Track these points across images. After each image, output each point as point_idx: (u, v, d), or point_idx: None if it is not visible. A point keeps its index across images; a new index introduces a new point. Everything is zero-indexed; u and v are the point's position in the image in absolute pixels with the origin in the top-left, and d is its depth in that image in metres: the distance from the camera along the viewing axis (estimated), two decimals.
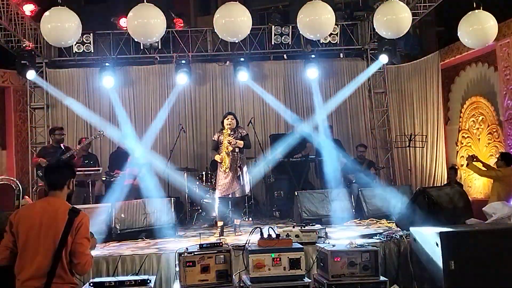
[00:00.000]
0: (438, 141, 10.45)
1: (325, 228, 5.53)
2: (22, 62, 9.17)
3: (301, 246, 4.47)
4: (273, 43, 10.18)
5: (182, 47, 10.21)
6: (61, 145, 7.98)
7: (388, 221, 7.13)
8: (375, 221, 7.29)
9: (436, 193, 5.47)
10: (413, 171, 10.35)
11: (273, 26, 10.09)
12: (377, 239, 5.39)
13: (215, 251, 4.23)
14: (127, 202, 7.15)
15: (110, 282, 4.02)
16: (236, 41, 8.28)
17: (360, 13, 10.58)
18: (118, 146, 9.36)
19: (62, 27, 7.08)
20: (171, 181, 9.25)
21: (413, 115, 10.72)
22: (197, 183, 8.77)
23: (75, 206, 3.57)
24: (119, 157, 9.11)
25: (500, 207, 5.37)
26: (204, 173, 8.83)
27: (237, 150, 6.69)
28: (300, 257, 4.28)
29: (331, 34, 10.10)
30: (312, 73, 10.11)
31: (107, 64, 9.90)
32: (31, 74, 9.33)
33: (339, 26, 10.14)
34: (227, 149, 6.65)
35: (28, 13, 8.81)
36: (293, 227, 5.71)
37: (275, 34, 10.07)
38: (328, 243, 4.90)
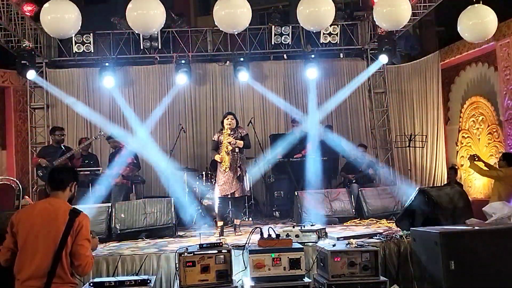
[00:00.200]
0: (438, 141, 10.45)
1: (325, 228, 5.53)
2: (22, 62, 9.17)
3: (301, 246, 4.47)
4: (273, 43, 10.18)
5: (182, 47, 10.21)
6: (62, 145, 7.98)
7: (388, 221, 7.13)
8: (375, 221, 7.29)
9: (436, 193, 5.47)
10: (413, 171, 10.34)
11: (273, 26, 10.09)
12: (377, 239, 5.38)
13: (215, 251, 4.23)
14: (127, 202, 7.15)
15: (110, 282, 4.02)
16: (236, 33, 8.18)
17: (360, 13, 10.58)
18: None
19: (62, 18, 7.08)
20: (171, 181, 9.26)
21: (413, 115, 10.72)
22: (197, 183, 8.77)
23: (75, 207, 3.58)
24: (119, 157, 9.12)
25: (500, 207, 5.37)
26: (204, 173, 8.83)
27: (237, 150, 6.69)
28: (300, 257, 4.28)
29: (331, 34, 10.12)
30: (312, 73, 10.11)
31: (107, 64, 9.91)
32: (31, 74, 9.33)
33: (339, 26, 10.15)
34: (227, 148, 6.65)
35: (28, 13, 8.82)
36: (293, 227, 5.71)
37: (275, 34, 10.08)
38: (328, 243, 4.90)
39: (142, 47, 9.99)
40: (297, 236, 5.13)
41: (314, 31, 9.01)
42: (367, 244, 4.60)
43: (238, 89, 10.57)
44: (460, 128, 9.94)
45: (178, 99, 10.44)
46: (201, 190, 8.71)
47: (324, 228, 5.45)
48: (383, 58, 9.87)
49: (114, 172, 8.11)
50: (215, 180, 7.61)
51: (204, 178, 8.72)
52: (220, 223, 6.69)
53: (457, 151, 10.04)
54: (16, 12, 8.58)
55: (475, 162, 7.24)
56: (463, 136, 9.87)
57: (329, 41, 10.16)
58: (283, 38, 10.09)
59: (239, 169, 6.68)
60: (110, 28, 10.06)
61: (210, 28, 10.36)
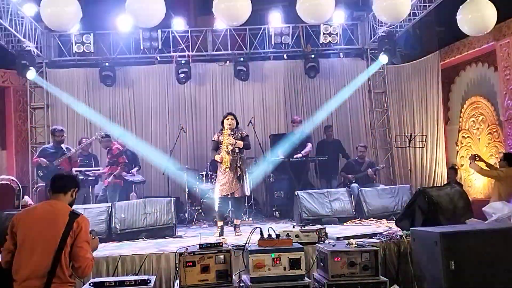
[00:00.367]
0: (438, 141, 10.45)
1: (325, 228, 5.53)
2: (22, 62, 9.18)
3: (301, 246, 4.46)
4: (273, 43, 10.18)
5: (182, 47, 10.22)
6: (62, 145, 7.98)
7: (388, 221, 7.13)
8: (375, 221, 7.29)
9: (436, 193, 5.47)
10: (413, 171, 10.34)
11: (273, 26, 10.09)
12: (377, 239, 5.39)
13: (215, 251, 4.23)
14: (127, 202, 7.15)
15: (110, 282, 4.02)
16: (236, 25, 8.12)
17: (360, 13, 10.58)
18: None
19: (62, 11, 7.08)
20: (171, 180, 9.27)
21: (413, 115, 10.72)
22: (197, 183, 8.77)
23: (75, 209, 3.62)
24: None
25: (500, 207, 5.37)
26: (204, 173, 8.83)
27: (237, 150, 6.69)
28: (300, 257, 4.28)
29: (331, 34, 10.12)
30: (312, 73, 10.11)
31: (107, 64, 9.91)
32: (31, 74, 9.33)
33: (339, 26, 10.15)
34: (227, 148, 6.65)
35: (28, 13, 8.82)
36: (293, 227, 5.71)
37: (275, 34, 10.08)
38: (328, 243, 4.90)
39: (142, 47, 9.99)
40: (297, 236, 5.13)
41: (315, 24, 8.93)
42: (367, 244, 4.60)
43: (238, 89, 10.58)
44: (460, 128, 9.94)
45: (178, 99, 10.45)
46: (201, 190, 8.71)
47: (324, 228, 5.45)
48: (383, 58, 9.88)
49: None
50: (215, 180, 7.62)
51: (204, 178, 8.72)
52: (220, 223, 6.69)
53: (457, 151, 10.04)
54: (16, 12, 8.58)
55: (475, 162, 7.23)
56: (463, 136, 9.87)
57: (329, 41, 10.16)
58: (283, 38, 10.09)
59: (239, 169, 6.67)
60: (110, 28, 10.07)
61: (210, 28, 10.36)
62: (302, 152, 9.06)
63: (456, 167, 9.76)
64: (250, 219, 8.28)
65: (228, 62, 10.55)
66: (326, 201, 7.61)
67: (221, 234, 6.50)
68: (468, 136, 9.71)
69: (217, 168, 6.98)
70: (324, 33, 10.11)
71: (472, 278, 4.17)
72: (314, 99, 10.64)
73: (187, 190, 8.73)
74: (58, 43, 10.19)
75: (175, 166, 9.36)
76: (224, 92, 10.58)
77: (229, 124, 6.75)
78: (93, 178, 8.33)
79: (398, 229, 5.73)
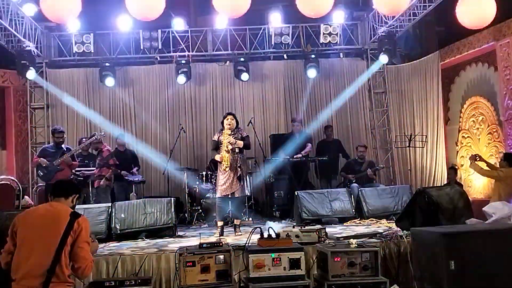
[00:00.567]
0: (438, 141, 10.45)
1: (325, 228, 5.53)
2: (22, 62, 9.17)
3: (301, 246, 4.47)
4: (273, 43, 10.18)
5: (182, 47, 10.22)
6: (62, 145, 7.98)
7: (388, 221, 7.13)
8: (375, 221, 7.29)
9: (436, 193, 5.47)
10: (413, 171, 10.34)
11: (273, 26, 10.09)
12: (377, 239, 5.38)
13: (215, 251, 4.23)
14: (127, 202, 7.15)
15: (110, 282, 4.02)
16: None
17: (360, 13, 10.58)
18: (117, 146, 9.37)
19: (61, 1, 7.06)
20: (171, 180, 9.29)
21: (413, 115, 10.71)
22: (197, 183, 8.77)
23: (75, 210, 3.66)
24: (118, 157, 9.12)
25: (500, 207, 5.36)
26: (204, 173, 8.83)
27: (237, 150, 6.69)
28: (300, 257, 4.28)
29: (331, 34, 10.13)
30: (312, 73, 10.11)
31: (107, 64, 9.91)
32: (31, 74, 9.33)
33: (339, 26, 10.15)
34: (227, 148, 6.65)
35: (28, 13, 8.82)
36: (293, 227, 5.71)
37: (275, 34, 10.08)
38: (328, 243, 4.90)
39: (142, 47, 9.99)
40: (297, 236, 5.13)
41: (314, 17, 8.83)
42: (367, 244, 4.61)
43: (238, 89, 10.58)
44: (460, 128, 9.94)
45: (178, 99, 10.45)
46: (201, 190, 8.71)
47: (324, 228, 5.46)
48: (383, 58, 9.87)
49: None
50: (215, 180, 7.62)
51: (204, 178, 8.72)
52: (220, 223, 6.69)
53: (457, 151, 10.04)
54: (16, 12, 8.58)
55: (476, 162, 7.23)
56: (463, 136, 9.87)
57: (329, 41, 10.16)
58: (283, 38, 10.09)
59: (239, 169, 6.67)
60: (110, 28, 10.07)
61: (210, 28, 10.36)
62: (302, 152, 9.06)
63: (456, 167, 9.76)
64: (250, 219, 8.28)
65: (228, 62, 10.55)
66: (326, 201, 7.61)
67: (221, 234, 6.50)
68: (468, 136, 9.71)
69: (217, 168, 6.98)
70: (324, 33, 10.11)
71: (472, 278, 4.17)
72: (314, 99, 10.64)
73: (187, 190, 8.73)
74: (58, 43, 10.19)
75: (175, 166, 9.38)
76: (224, 92, 10.57)
77: (229, 124, 6.75)
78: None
79: (398, 229, 5.73)
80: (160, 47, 10.04)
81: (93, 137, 8.23)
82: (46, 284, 3.29)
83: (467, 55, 9.56)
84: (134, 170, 8.99)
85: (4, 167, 9.87)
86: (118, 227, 6.54)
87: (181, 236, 6.69)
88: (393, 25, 9.47)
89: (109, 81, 9.90)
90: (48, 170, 7.62)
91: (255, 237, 4.51)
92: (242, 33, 10.35)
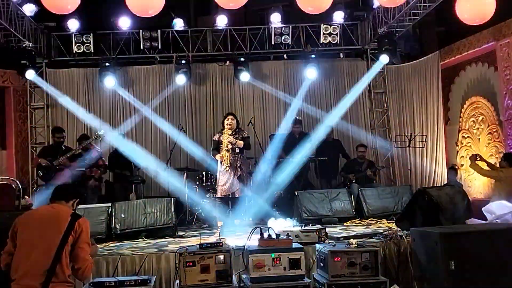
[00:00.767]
0: (438, 141, 10.45)
1: (325, 228, 5.53)
2: (22, 62, 9.17)
3: (301, 246, 4.47)
4: (273, 43, 10.18)
5: (182, 47, 10.21)
6: (62, 145, 7.98)
7: (388, 221, 7.13)
8: (375, 221, 7.29)
9: (436, 193, 5.47)
10: (413, 171, 10.34)
11: (273, 26, 10.09)
12: (377, 239, 5.38)
13: (215, 251, 4.23)
14: (127, 202, 7.15)
15: (110, 282, 4.02)
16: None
17: (360, 13, 10.58)
18: (116, 147, 9.38)
19: None
20: (171, 181, 9.28)
21: (413, 115, 10.71)
22: (197, 183, 8.77)
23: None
24: (118, 157, 9.12)
25: (500, 207, 5.37)
26: (204, 173, 8.83)
27: (237, 150, 6.70)
28: (300, 257, 4.28)
29: (331, 34, 10.13)
30: (312, 73, 10.11)
31: (107, 64, 9.91)
32: (31, 74, 9.33)
33: (339, 26, 10.15)
34: (227, 147, 6.65)
35: (28, 13, 8.82)
36: (293, 227, 5.71)
37: (275, 34, 10.08)
38: (328, 243, 4.90)
39: (142, 47, 9.98)
40: (297, 236, 5.13)
41: (313, 13, 8.75)
42: (367, 244, 4.61)
43: (238, 89, 10.57)
44: (460, 128, 9.94)
45: (178, 99, 10.45)
46: (201, 190, 8.71)
47: (324, 228, 5.45)
48: (384, 58, 9.85)
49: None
50: (215, 180, 7.62)
51: (204, 178, 8.71)
52: (220, 223, 6.69)
53: (457, 151, 10.04)
54: (16, 12, 8.58)
55: (476, 162, 7.23)
56: (463, 136, 9.87)
57: (329, 41, 10.15)
58: (283, 38, 10.09)
59: (239, 169, 6.69)
60: (110, 28, 10.07)
61: (210, 28, 10.36)
62: (302, 152, 9.05)
63: (456, 167, 9.76)
64: (250, 219, 8.28)
65: (228, 62, 10.54)
66: (326, 201, 7.61)
67: (221, 234, 6.49)
68: (468, 136, 9.71)
69: (217, 169, 6.99)
70: (324, 33, 10.11)
71: (472, 278, 4.18)
72: (314, 99, 10.64)
73: (187, 190, 8.73)
74: (58, 43, 10.18)
75: (175, 166, 9.37)
76: (224, 92, 10.57)
77: (229, 124, 6.76)
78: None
79: (398, 229, 5.73)
80: (160, 47, 10.03)
81: (93, 137, 8.23)
82: (46, 283, 3.29)
83: (467, 55, 9.56)
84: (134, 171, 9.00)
85: (4, 167, 9.87)
86: (118, 227, 6.54)
87: (181, 236, 6.68)
88: (393, 25, 9.47)
89: (109, 81, 9.90)
90: (48, 170, 7.62)
91: (255, 237, 4.51)
92: (242, 33, 10.35)
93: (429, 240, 4.45)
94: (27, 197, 7.92)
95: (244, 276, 4.50)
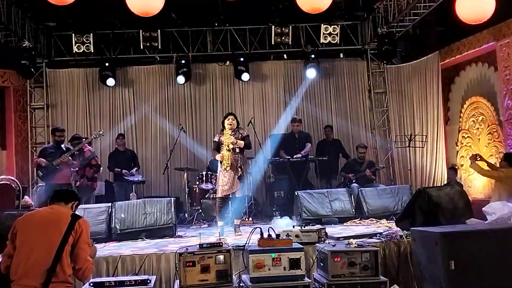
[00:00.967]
0: (438, 141, 10.44)
1: (325, 228, 5.53)
2: (22, 62, 9.17)
3: (301, 246, 4.46)
4: (273, 43, 10.18)
5: (182, 47, 10.22)
6: (62, 145, 7.98)
7: (388, 221, 7.13)
8: (375, 221, 7.29)
9: (436, 193, 5.46)
10: (413, 171, 10.34)
11: (273, 26, 10.09)
12: (377, 239, 5.38)
13: (215, 251, 4.23)
14: (127, 202, 7.15)
15: (110, 282, 4.02)
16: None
17: (360, 13, 10.58)
18: (116, 146, 9.38)
19: None
20: (171, 180, 9.29)
21: (413, 115, 10.71)
22: (197, 183, 8.77)
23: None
24: (118, 157, 9.13)
25: (500, 207, 5.36)
26: (204, 173, 8.83)
27: (237, 150, 6.70)
28: (300, 257, 4.28)
29: (331, 34, 10.13)
30: (312, 73, 10.11)
31: (107, 64, 9.91)
32: (31, 74, 9.33)
33: (339, 26, 10.15)
34: (228, 147, 6.65)
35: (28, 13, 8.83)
36: (293, 227, 5.71)
37: (275, 34, 10.08)
38: (328, 243, 4.89)
39: (142, 47, 9.99)
40: (297, 236, 5.13)
41: (313, 21, 8.70)
42: (367, 244, 4.60)
43: (238, 89, 10.58)
44: (460, 128, 9.94)
45: (178, 99, 10.45)
46: (201, 190, 8.72)
47: (324, 228, 5.45)
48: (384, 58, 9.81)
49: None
50: (215, 180, 7.62)
51: (204, 178, 8.72)
52: (220, 223, 6.69)
53: (457, 151, 10.04)
54: (16, 12, 8.58)
55: (476, 162, 7.22)
56: (463, 136, 9.87)
57: (329, 41, 10.16)
58: (283, 38, 10.09)
59: (239, 169, 6.68)
60: (110, 28, 10.07)
61: (210, 28, 10.37)
62: (302, 152, 9.06)
63: (456, 167, 9.76)
64: (250, 219, 8.28)
65: (228, 62, 10.55)
66: (326, 201, 7.61)
67: (221, 234, 6.50)
68: (468, 136, 9.71)
69: (217, 168, 6.99)
70: (324, 33, 10.11)
71: (472, 278, 4.17)
72: (314, 99, 10.64)
73: (187, 190, 8.74)
74: (58, 43, 10.19)
75: (175, 166, 9.37)
76: (224, 92, 10.58)
77: (230, 124, 6.76)
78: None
79: (398, 229, 5.73)
80: (160, 47, 10.03)
81: (92, 137, 8.23)
82: (46, 283, 3.29)
83: (467, 55, 9.56)
84: (134, 170, 9.00)
85: (4, 167, 9.87)
86: (118, 227, 6.54)
87: (181, 236, 6.69)
88: (393, 25, 9.47)
89: (109, 81, 9.90)
90: (47, 171, 7.62)
91: (255, 237, 4.50)
92: (242, 33, 10.35)
93: (429, 240, 4.45)
94: (27, 197, 7.93)
95: (244, 276, 4.50)
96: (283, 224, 6.75)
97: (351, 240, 4.59)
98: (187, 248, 4.29)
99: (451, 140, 10.26)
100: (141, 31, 9.86)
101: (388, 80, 10.79)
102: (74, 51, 9.91)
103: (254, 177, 9.06)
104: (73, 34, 9.81)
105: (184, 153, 10.31)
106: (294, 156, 8.97)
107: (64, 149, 7.91)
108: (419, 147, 10.20)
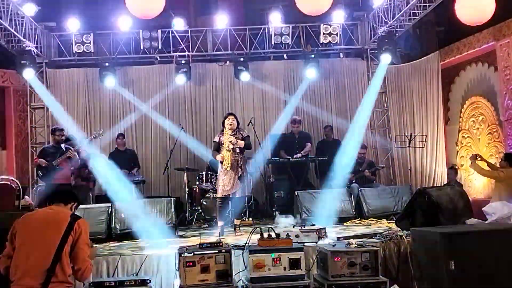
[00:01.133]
0: (438, 141, 10.44)
1: (325, 228, 5.53)
2: (22, 62, 9.16)
3: (301, 246, 4.47)
4: (273, 43, 10.18)
5: (182, 47, 10.21)
6: (62, 145, 7.98)
7: (388, 221, 7.13)
8: (375, 221, 7.29)
9: (436, 193, 5.47)
10: (413, 171, 10.34)
11: (273, 26, 10.09)
12: (377, 239, 5.39)
13: (215, 251, 4.23)
14: (127, 202, 7.15)
15: (110, 282, 4.03)
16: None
17: (360, 13, 10.58)
18: (116, 146, 9.38)
19: None
20: (171, 180, 9.29)
21: (413, 115, 10.70)
22: (197, 183, 8.77)
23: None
24: (118, 157, 9.12)
25: (500, 207, 5.37)
26: (204, 173, 8.83)
27: (238, 150, 6.70)
28: (300, 257, 4.28)
29: (331, 34, 10.12)
30: (312, 73, 10.11)
31: (107, 64, 9.91)
32: (30, 74, 9.33)
33: (339, 26, 10.15)
34: (228, 147, 6.65)
35: (28, 13, 8.82)
36: (293, 227, 5.71)
37: (275, 34, 10.07)
38: (328, 243, 4.90)
39: (142, 47, 9.98)
40: (297, 236, 5.13)
41: (313, 15, 8.69)
42: (367, 244, 4.61)
43: (238, 89, 10.57)
44: (460, 128, 9.94)
45: (178, 99, 10.45)
46: (201, 190, 8.72)
47: (324, 228, 5.46)
48: (384, 58, 9.79)
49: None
50: (215, 180, 7.62)
51: (204, 178, 8.72)
52: (220, 223, 6.69)
53: (457, 151, 10.04)
54: (16, 12, 8.57)
55: (476, 161, 7.22)
56: (463, 136, 9.87)
57: (329, 41, 10.15)
58: (283, 38, 10.08)
59: (240, 169, 6.68)
60: (110, 28, 10.06)
61: (210, 28, 10.36)
62: (302, 152, 9.06)
63: (456, 167, 9.75)
64: (250, 219, 8.28)
65: (228, 62, 10.54)
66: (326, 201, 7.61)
67: (221, 234, 6.50)
68: (468, 136, 9.71)
69: (217, 168, 6.99)
70: (324, 33, 10.11)
71: (472, 278, 4.18)
72: (314, 99, 10.64)
73: (187, 190, 8.73)
74: (58, 43, 10.18)
75: (175, 166, 9.37)
76: (224, 92, 10.57)
77: (230, 125, 6.76)
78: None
79: (398, 229, 5.73)
80: (160, 47, 10.02)
81: (91, 137, 8.23)
82: (46, 283, 3.29)
83: (467, 55, 9.56)
84: (134, 170, 9.00)
85: (4, 167, 9.86)
86: (118, 227, 6.54)
87: (181, 236, 6.69)
88: (393, 25, 9.47)
89: (109, 81, 9.90)
90: (47, 171, 7.62)
91: (255, 237, 4.51)
92: (242, 33, 10.35)
93: (429, 240, 4.45)
94: (27, 197, 7.92)
95: (244, 276, 4.50)
96: (286, 222, 6.79)
97: (351, 240, 4.60)
98: (187, 248, 4.29)
99: (451, 140, 10.26)
100: (141, 31, 9.86)
101: (388, 80, 10.79)
102: (74, 51, 9.90)
103: (254, 177, 9.06)
104: (73, 34, 9.80)
105: (184, 153, 10.30)
106: (294, 156, 8.98)
107: (64, 149, 7.91)
108: (419, 147, 10.19)
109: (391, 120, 10.73)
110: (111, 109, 10.33)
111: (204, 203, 8.51)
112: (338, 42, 10.25)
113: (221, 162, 6.70)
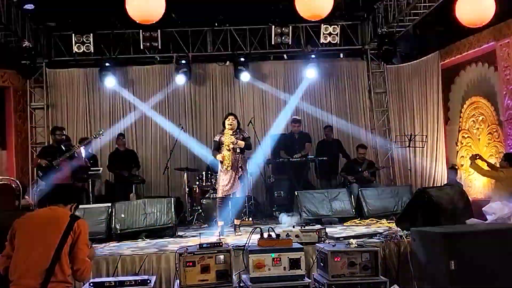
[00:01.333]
0: (438, 141, 10.44)
1: (325, 228, 5.53)
2: (22, 62, 9.17)
3: (301, 246, 4.47)
4: (273, 43, 10.18)
5: (182, 47, 10.21)
6: (62, 145, 7.97)
7: (388, 221, 7.13)
8: (375, 221, 7.29)
9: (436, 193, 5.47)
10: (413, 171, 10.34)
11: (273, 26, 10.09)
12: (377, 239, 5.39)
13: (215, 251, 4.23)
14: (127, 202, 7.16)
15: (110, 282, 4.02)
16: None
17: (360, 13, 10.58)
18: (116, 146, 9.38)
19: None
20: (171, 180, 9.29)
21: (413, 115, 10.71)
22: (197, 183, 8.78)
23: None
24: (118, 157, 9.13)
25: (500, 207, 5.37)
26: (204, 173, 8.83)
27: (238, 150, 6.70)
28: (300, 257, 4.28)
29: (331, 34, 10.12)
30: (312, 73, 10.11)
31: (107, 64, 9.91)
32: (31, 74, 9.33)
33: (339, 26, 10.15)
34: (229, 147, 6.65)
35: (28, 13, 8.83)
36: (293, 227, 5.71)
37: (275, 34, 10.08)
38: (328, 243, 4.90)
39: (142, 47, 9.98)
40: (297, 236, 5.13)
41: (313, 20, 8.71)
42: (367, 244, 4.60)
43: (238, 89, 10.58)
44: (460, 128, 9.94)
45: (178, 99, 10.45)
46: (201, 190, 8.72)
47: (324, 228, 5.46)
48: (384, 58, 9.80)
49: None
50: (215, 180, 7.62)
51: (204, 178, 8.72)
52: (220, 223, 6.69)
53: (457, 151, 10.04)
54: (16, 12, 8.57)
55: (476, 161, 7.22)
56: (463, 136, 9.87)
57: (329, 41, 10.15)
58: (283, 38, 10.09)
59: (240, 169, 6.68)
60: (110, 28, 10.07)
61: (210, 28, 10.36)
62: (302, 152, 9.06)
63: (456, 167, 9.75)
64: (250, 219, 8.28)
65: (228, 62, 10.55)
66: (326, 201, 7.62)
67: (221, 234, 6.50)
68: (468, 136, 9.71)
69: (217, 168, 6.99)
70: (324, 33, 10.11)
71: (472, 278, 4.17)
72: (314, 99, 10.64)
73: (187, 190, 8.74)
74: (58, 43, 10.19)
75: (175, 166, 9.37)
76: (224, 92, 10.58)
77: (230, 124, 6.76)
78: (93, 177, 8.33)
79: (398, 229, 5.73)
80: (160, 47, 10.03)
81: (91, 137, 8.23)
82: (45, 283, 3.29)
83: (467, 55, 9.56)
84: (134, 171, 9.01)
85: (4, 167, 9.86)
86: (118, 227, 6.54)
87: (181, 236, 6.69)
88: (393, 25, 9.47)
89: (109, 81, 9.90)
90: (48, 171, 7.61)
91: (255, 237, 4.51)
92: (242, 33, 10.35)
93: (429, 240, 4.45)
94: (27, 197, 7.93)
95: (244, 276, 4.50)
96: (289, 220, 6.78)
97: (351, 240, 4.59)
98: (187, 248, 4.29)
99: (451, 140, 10.26)
100: (141, 31, 9.86)
101: (388, 80, 10.80)
102: (74, 51, 9.90)
103: (254, 177, 9.06)
104: (73, 34, 9.80)
105: (184, 153, 10.31)
106: (294, 156, 8.98)
107: (64, 149, 7.91)
108: (419, 147, 10.20)
109: (391, 120, 10.73)
110: (111, 109, 10.33)
111: (204, 203, 8.52)
112: (338, 42, 10.25)
113: (221, 162, 6.70)
